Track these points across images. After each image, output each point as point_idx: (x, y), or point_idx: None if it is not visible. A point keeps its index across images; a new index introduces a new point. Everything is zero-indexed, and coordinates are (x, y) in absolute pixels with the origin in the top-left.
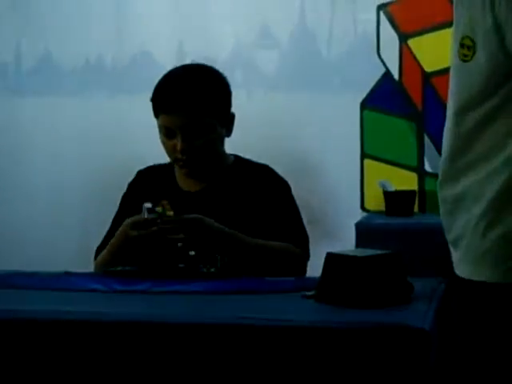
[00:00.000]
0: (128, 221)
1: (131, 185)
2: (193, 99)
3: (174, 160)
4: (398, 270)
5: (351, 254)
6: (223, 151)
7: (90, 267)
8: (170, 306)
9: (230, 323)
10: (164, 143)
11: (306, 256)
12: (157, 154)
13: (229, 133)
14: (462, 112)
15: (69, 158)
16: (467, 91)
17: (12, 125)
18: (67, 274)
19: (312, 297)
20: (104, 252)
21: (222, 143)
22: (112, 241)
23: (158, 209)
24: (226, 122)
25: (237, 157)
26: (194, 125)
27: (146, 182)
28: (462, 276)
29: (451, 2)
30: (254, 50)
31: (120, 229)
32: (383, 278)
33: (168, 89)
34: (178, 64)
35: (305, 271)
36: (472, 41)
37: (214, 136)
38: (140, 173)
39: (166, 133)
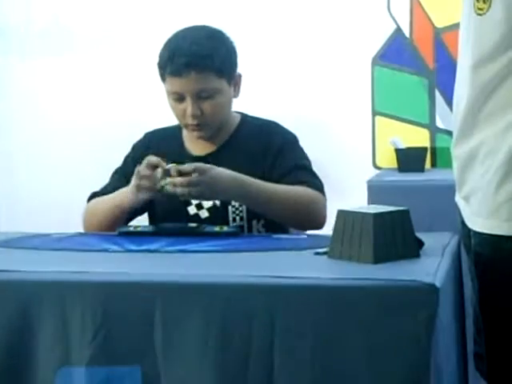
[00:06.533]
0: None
1: (137, 146)
2: (200, 60)
3: (185, 125)
4: (408, 226)
5: (361, 210)
6: (231, 112)
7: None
8: (182, 266)
9: (243, 282)
10: (173, 108)
11: (323, 196)
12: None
13: (236, 94)
14: (478, 65)
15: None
16: (483, 44)
17: None
18: (80, 234)
19: (324, 253)
20: (106, 198)
21: (230, 105)
22: (118, 192)
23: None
24: (234, 82)
25: (243, 115)
26: (203, 87)
27: (153, 145)
28: (476, 229)
29: None
30: (262, 10)
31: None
32: (393, 233)
33: (174, 51)
34: None
35: (325, 213)
36: None
37: (224, 98)
38: (147, 135)
39: (175, 97)
